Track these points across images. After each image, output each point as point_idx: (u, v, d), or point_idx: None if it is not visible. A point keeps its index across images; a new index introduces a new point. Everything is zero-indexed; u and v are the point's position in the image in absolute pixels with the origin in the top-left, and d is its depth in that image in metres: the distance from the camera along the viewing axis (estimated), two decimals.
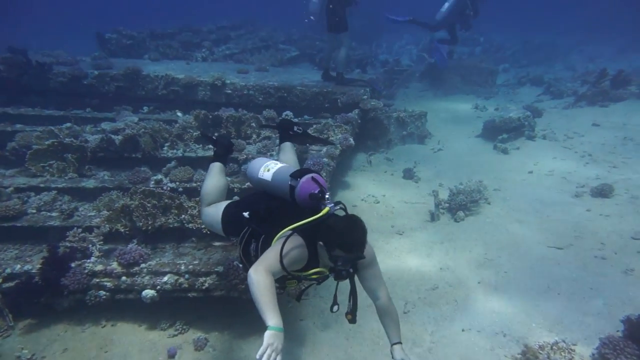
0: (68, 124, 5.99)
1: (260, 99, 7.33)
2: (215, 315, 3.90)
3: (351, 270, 2.45)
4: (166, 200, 4.15)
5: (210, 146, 5.60)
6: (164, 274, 3.74)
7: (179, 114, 7.22)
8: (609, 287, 4.07)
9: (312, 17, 7.54)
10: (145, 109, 7.36)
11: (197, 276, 3.73)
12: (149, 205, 4.06)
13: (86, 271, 3.72)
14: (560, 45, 17.43)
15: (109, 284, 3.74)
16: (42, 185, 4.82)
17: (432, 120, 8.76)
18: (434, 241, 5.09)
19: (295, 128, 3.70)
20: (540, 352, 3.30)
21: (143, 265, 3.79)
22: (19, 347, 3.50)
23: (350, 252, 2.35)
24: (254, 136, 5.91)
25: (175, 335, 3.72)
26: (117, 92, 7.45)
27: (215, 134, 3.56)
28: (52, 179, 4.94)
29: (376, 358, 3.48)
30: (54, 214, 4.42)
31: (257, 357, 1.91)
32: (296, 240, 2.44)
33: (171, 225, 4.15)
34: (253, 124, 5.95)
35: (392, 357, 2.61)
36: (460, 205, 5.60)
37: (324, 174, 4.97)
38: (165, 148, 5.52)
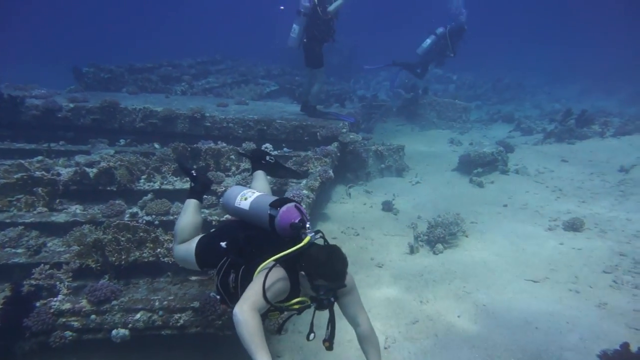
0: (39, 157, 5.83)
1: (240, 131, 7.35)
2: (191, 354, 3.72)
3: (332, 299, 2.42)
4: (141, 234, 4.03)
5: (188, 179, 5.60)
6: (137, 311, 3.58)
7: (157, 146, 7.15)
8: (584, 321, 4.11)
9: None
10: (122, 141, 7.26)
11: (172, 312, 3.59)
12: (123, 239, 3.93)
13: (52, 310, 3.52)
14: (527, 85, 18.46)
15: (76, 324, 3.54)
16: (7, 220, 4.62)
17: (409, 153, 8.95)
18: (413, 274, 5.08)
19: (268, 157, 3.80)
20: None
21: (114, 302, 3.63)
22: None
23: (332, 281, 2.35)
24: (233, 168, 5.90)
25: None
26: (93, 125, 7.33)
27: (194, 167, 3.53)
28: (19, 213, 4.75)
29: None
30: (19, 251, 4.22)
31: None
32: (278, 272, 2.41)
33: (146, 260, 4.01)
34: (232, 157, 5.94)
35: None
36: (438, 238, 5.65)
37: (304, 205, 4.96)
38: (142, 180, 5.42)
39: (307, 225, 2.60)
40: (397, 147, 8.50)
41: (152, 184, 5.38)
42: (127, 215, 4.78)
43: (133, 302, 3.65)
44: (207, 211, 4.89)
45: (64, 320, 3.54)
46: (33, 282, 3.72)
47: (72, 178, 5.10)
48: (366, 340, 2.71)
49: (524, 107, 15.68)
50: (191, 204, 3.30)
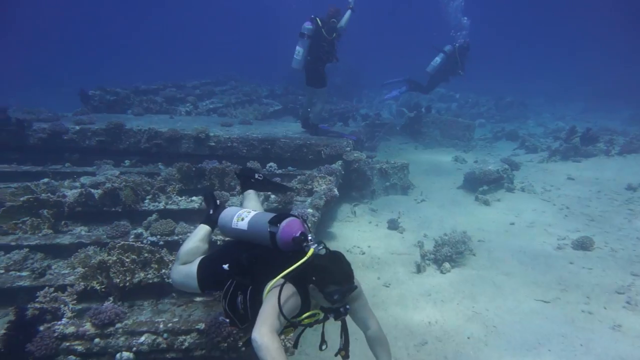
0: (45, 180, 5.85)
1: (244, 150, 7.38)
2: None
3: (348, 307, 2.46)
4: (146, 255, 4.00)
5: (194, 198, 5.59)
6: (141, 333, 3.52)
7: (162, 166, 7.18)
8: (599, 343, 4.00)
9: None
10: (127, 162, 7.29)
11: (177, 335, 3.52)
12: (127, 260, 3.90)
13: (56, 334, 3.46)
14: (529, 104, 18.57)
15: (80, 348, 3.47)
16: (12, 243, 4.60)
17: (414, 171, 8.93)
18: (421, 293, 4.99)
19: (256, 175, 3.82)
20: None
21: (119, 325, 3.56)
22: None
23: (344, 284, 2.40)
24: (238, 187, 5.87)
25: None
26: (99, 147, 7.39)
27: (217, 200, 3.56)
28: (24, 236, 4.74)
29: None
30: (24, 274, 4.19)
31: None
32: (289, 288, 2.39)
33: (150, 281, 3.97)
34: None
35: None
36: (445, 256, 5.57)
37: (309, 224, 4.92)
38: (147, 201, 5.41)
39: (310, 237, 2.61)
40: (402, 165, 8.49)
41: (157, 204, 5.37)
42: (132, 236, 4.75)
43: (137, 324, 3.59)
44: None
45: (67, 344, 3.47)
46: (37, 305, 3.67)
47: (78, 199, 5.10)
48: (377, 342, 2.73)
49: (528, 124, 15.74)
50: (203, 230, 3.29)
